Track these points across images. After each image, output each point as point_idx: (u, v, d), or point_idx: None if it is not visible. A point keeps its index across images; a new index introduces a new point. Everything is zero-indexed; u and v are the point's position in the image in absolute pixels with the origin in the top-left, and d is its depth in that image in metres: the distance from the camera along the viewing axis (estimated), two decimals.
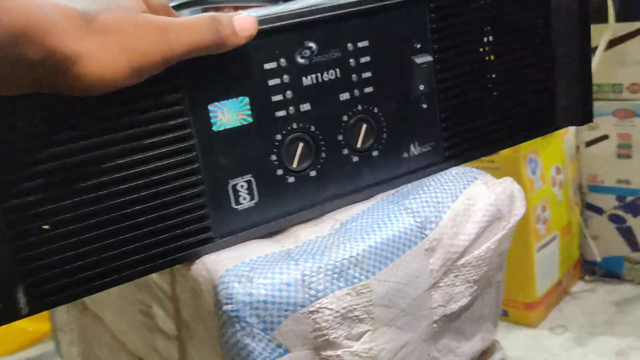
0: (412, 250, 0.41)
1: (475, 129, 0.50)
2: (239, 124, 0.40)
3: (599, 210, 1.29)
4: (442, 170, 0.49)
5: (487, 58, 0.49)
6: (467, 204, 0.44)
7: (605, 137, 1.23)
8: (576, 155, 1.27)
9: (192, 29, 0.35)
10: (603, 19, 1.12)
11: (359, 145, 0.45)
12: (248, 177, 0.42)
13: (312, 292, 0.37)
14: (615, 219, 1.27)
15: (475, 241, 0.43)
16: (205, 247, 0.41)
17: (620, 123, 1.19)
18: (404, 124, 0.47)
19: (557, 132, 1.05)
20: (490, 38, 0.49)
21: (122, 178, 0.37)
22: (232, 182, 0.41)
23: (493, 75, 0.50)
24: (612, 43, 1.15)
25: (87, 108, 0.35)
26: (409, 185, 0.47)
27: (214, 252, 0.41)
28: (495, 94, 0.50)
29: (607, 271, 1.31)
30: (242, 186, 0.41)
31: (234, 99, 0.40)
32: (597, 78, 1.17)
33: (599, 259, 1.29)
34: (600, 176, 1.26)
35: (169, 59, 0.35)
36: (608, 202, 1.27)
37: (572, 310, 1.25)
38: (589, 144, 1.26)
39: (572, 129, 1.23)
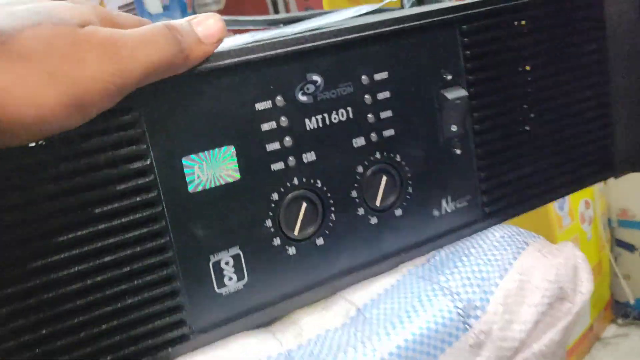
0: (454, 348, 0.31)
1: (520, 179, 0.40)
2: (223, 182, 0.31)
3: (630, 247, 1.19)
4: (481, 230, 0.39)
5: (531, 92, 0.39)
6: (521, 280, 0.34)
7: None
8: (605, 187, 1.17)
9: (148, 40, 0.26)
10: None
11: (378, 202, 0.35)
12: (235, 250, 0.32)
13: None
14: None
15: (533, 331, 0.33)
16: (180, 346, 0.31)
17: None
18: (434, 174, 0.37)
19: None
20: (535, 68, 0.39)
21: (66, 260, 0.27)
22: (214, 259, 0.31)
23: (540, 114, 0.40)
24: None
25: (14, 165, 0.26)
26: (442, 252, 0.37)
27: (190, 354, 0.31)
28: (543, 135, 0.40)
29: None
30: (227, 263, 0.32)
31: (216, 149, 0.30)
32: None
33: (632, 301, 1.18)
34: (631, 210, 1.16)
35: (123, 85, 0.26)
36: None
37: (604, 358, 1.14)
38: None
39: None
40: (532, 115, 0.40)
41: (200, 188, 0.30)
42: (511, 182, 0.40)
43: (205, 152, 0.30)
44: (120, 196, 0.28)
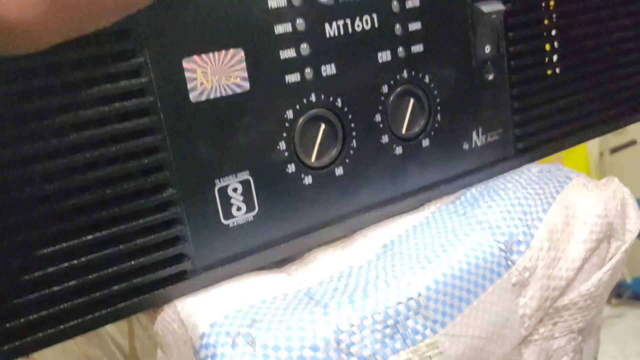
0: (495, 285, 0.27)
1: (555, 113, 0.36)
2: (230, 92, 0.26)
3: None
4: (512, 168, 0.35)
5: (566, 16, 0.35)
6: (566, 214, 0.30)
7: (632, 143, 1.11)
8: (600, 163, 1.14)
9: None
10: None
11: (403, 130, 0.31)
12: (244, 175, 0.27)
13: None
14: None
15: (580, 270, 0.29)
16: (180, 285, 0.26)
17: None
18: (465, 101, 0.33)
19: None
20: None
21: (46, 179, 0.23)
22: (220, 184, 0.27)
23: (576, 43, 0.36)
24: None
25: None
26: (473, 189, 0.33)
27: (192, 293, 0.26)
28: (578, 67, 0.36)
29: (635, 292, 1.18)
30: (235, 190, 0.27)
31: (222, 51, 0.26)
32: None
33: (628, 280, 1.16)
34: (628, 187, 1.13)
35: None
36: None
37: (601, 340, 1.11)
38: (614, 150, 1.13)
39: None
40: (568, 43, 0.36)
41: (204, 97, 0.26)
42: (546, 115, 0.36)
43: (210, 54, 0.25)
44: (108, 99, 0.23)
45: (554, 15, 0.35)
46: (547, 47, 0.35)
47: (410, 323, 0.24)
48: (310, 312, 0.23)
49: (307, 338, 0.22)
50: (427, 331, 0.25)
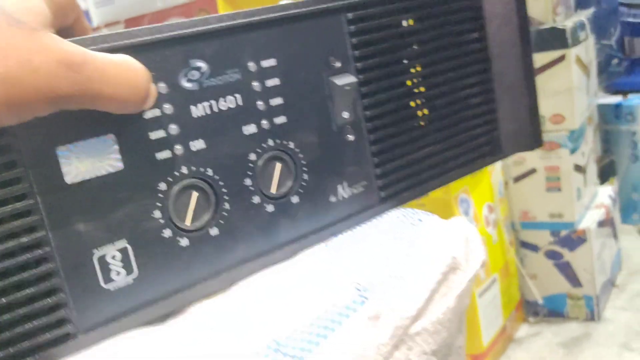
0: (352, 320, 0.31)
1: (413, 163, 0.41)
2: (105, 172, 0.30)
3: (534, 248, 1.25)
4: (378, 214, 0.40)
5: (419, 79, 0.41)
6: (415, 253, 0.35)
7: (532, 171, 1.20)
8: (505, 192, 1.23)
9: (122, 71, 0.28)
10: None
11: (273, 190, 0.35)
12: (122, 243, 0.30)
13: None
14: (551, 255, 1.23)
15: (429, 301, 0.34)
16: (64, 346, 0.29)
17: (546, 155, 1.17)
18: (328, 160, 0.37)
19: (485, 169, 1.00)
20: (422, 55, 0.41)
21: None
22: (98, 253, 0.30)
23: (428, 100, 0.42)
24: None
25: None
26: (340, 236, 0.37)
27: (76, 355, 0.29)
28: (432, 121, 0.42)
29: (550, 311, 1.26)
30: (113, 257, 0.30)
31: (94, 138, 0.29)
32: None
33: (540, 300, 1.24)
34: (532, 212, 1.22)
35: (68, 98, 0.26)
36: (542, 238, 1.23)
37: (520, 358, 1.18)
38: (517, 179, 1.22)
39: (498, 166, 1.20)
40: (420, 102, 0.41)
41: (79, 179, 0.29)
42: (405, 166, 0.41)
43: (82, 141, 0.29)
44: None
45: (409, 81, 0.40)
46: (402, 107, 0.40)
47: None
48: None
49: None
50: None
